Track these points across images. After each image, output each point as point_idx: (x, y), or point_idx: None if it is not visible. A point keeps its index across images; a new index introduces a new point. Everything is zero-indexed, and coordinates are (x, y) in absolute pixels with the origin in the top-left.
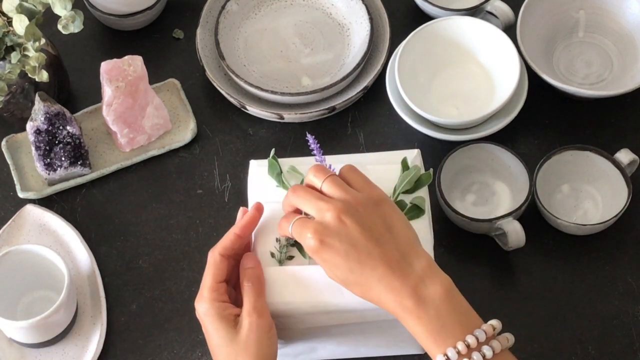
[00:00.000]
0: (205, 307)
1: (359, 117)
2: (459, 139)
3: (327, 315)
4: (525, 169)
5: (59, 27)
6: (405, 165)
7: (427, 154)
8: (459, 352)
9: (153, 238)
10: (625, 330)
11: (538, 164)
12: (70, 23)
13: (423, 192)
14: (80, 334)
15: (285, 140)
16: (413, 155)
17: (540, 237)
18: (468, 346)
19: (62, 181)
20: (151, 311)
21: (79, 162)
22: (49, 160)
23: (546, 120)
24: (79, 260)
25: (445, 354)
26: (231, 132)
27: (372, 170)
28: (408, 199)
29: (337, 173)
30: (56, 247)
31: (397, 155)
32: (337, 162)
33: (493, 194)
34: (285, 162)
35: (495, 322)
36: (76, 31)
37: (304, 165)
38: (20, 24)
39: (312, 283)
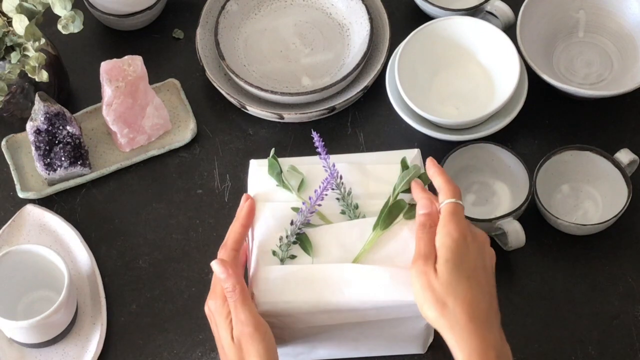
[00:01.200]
0: (220, 305)
1: (359, 117)
2: (459, 139)
3: (327, 314)
4: (525, 169)
5: (59, 27)
6: (404, 164)
7: (427, 154)
8: None
9: (153, 238)
10: (625, 330)
11: (538, 164)
12: (70, 23)
13: None
14: (80, 334)
15: (285, 140)
16: (413, 155)
17: (540, 237)
18: None
19: (62, 181)
20: (151, 311)
21: (79, 162)
22: (49, 160)
23: (546, 120)
24: (79, 260)
25: None
26: (231, 132)
27: (372, 170)
28: (408, 198)
29: (338, 172)
30: (56, 247)
31: (397, 155)
32: (338, 161)
33: (493, 194)
34: (286, 162)
35: None
36: (76, 31)
37: (304, 164)
38: (20, 24)
39: (313, 282)
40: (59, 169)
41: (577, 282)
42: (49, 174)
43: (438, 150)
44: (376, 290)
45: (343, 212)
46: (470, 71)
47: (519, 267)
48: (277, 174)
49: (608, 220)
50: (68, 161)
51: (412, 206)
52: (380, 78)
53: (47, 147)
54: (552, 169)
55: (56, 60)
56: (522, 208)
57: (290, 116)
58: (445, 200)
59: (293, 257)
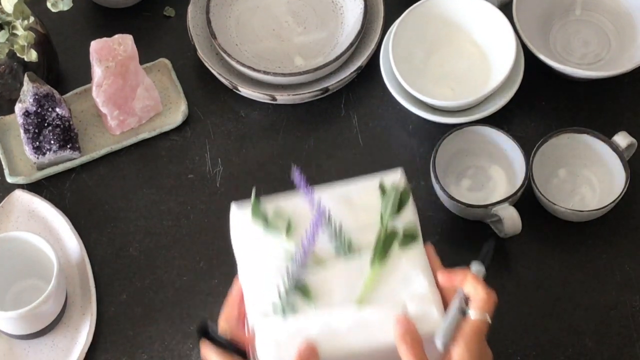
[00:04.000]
0: None
1: (352, 98)
2: (454, 122)
3: None
4: (522, 153)
5: (48, 4)
6: (383, 189)
7: (421, 137)
8: None
9: (144, 224)
10: (623, 321)
11: (534, 148)
12: (59, 0)
13: (412, 214)
14: (70, 325)
15: (278, 122)
16: (397, 177)
17: (536, 224)
18: None
19: (51, 165)
20: (142, 301)
21: (68, 146)
22: (37, 143)
23: (542, 102)
24: (68, 247)
25: None
26: (223, 114)
27: (358, 199)
28: (399, 225)
29: (323, 206)
30: (45, 234)
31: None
32: (321, 193)
33: (489, 179)
34: (270, 203)
35: None
36: (65, 9)
37: (289, 200)
38: (9, 1)
39: (319, 336)
40: (48, 152)
41: (574, 271)
42: (37, 158)
43: (432, 133)
44: (383, 335)
45: (338, 250)
46: (465, 50)
47: (514, 255)
48: (263, 220)
49: (606, 206)
50: (57, 144)
51: (407, 237)
52: (375, 58)
53: (36, 130)
54: (548, 153)
55: (45, 40)
56: (518, 193)
57: (282, 97)
58: (476, 314)
59: (294, 307)
